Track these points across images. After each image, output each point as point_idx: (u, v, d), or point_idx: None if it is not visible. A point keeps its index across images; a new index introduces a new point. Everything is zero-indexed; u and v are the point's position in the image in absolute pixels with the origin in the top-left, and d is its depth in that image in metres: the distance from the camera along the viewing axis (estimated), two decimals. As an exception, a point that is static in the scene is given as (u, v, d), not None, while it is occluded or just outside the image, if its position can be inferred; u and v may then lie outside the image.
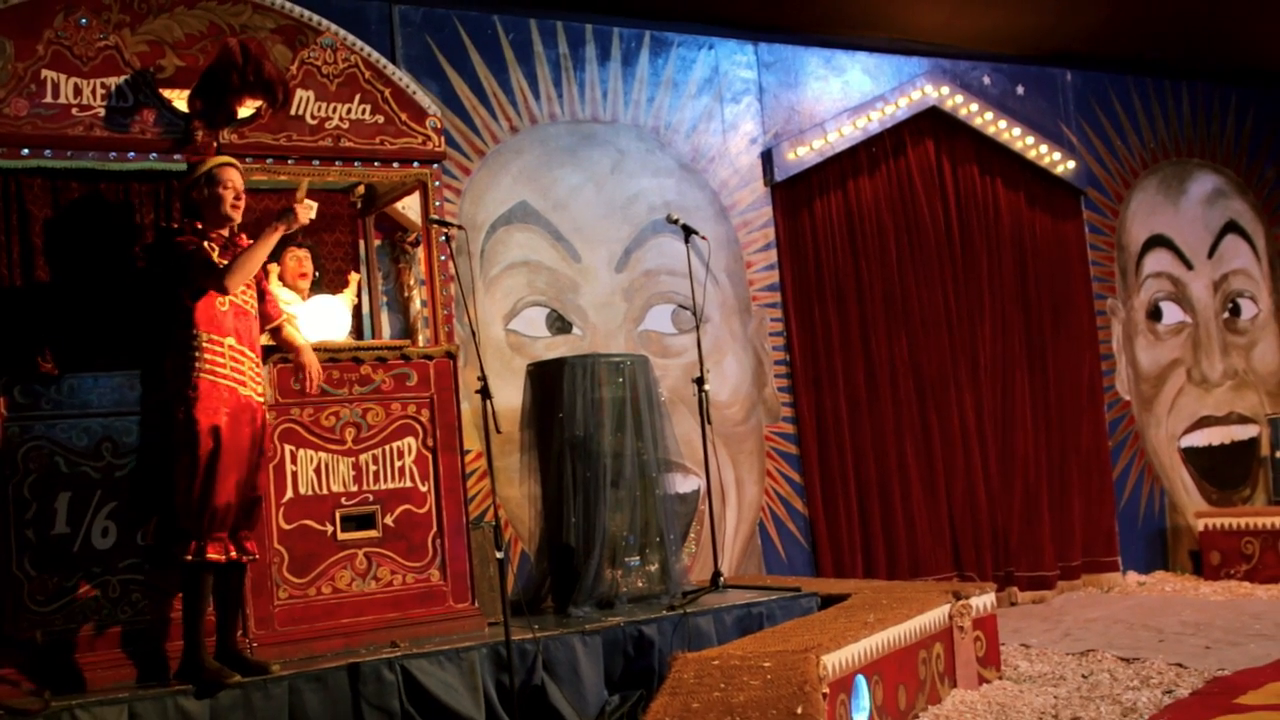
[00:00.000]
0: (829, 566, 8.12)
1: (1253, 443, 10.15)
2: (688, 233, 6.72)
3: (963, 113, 9.09)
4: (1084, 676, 6.05)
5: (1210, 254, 10.28)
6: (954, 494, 8.70)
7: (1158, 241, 10.04)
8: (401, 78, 5.81)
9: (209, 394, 4.73)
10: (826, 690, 4.45)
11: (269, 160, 5.35)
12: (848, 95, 8.79)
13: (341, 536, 5.35)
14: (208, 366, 4.76)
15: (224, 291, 4.82)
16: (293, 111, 5.46)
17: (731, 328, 8.16)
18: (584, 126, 7.82)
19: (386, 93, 5.71)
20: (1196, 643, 6.75)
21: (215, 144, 5.19)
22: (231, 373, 4.82)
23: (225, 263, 4.81)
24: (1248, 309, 10.39)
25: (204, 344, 4.77)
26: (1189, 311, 10.12)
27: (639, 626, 5.54)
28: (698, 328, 6.76)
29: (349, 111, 5.61)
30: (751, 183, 8.38)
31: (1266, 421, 9.95)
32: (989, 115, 9.20)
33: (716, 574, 6.44)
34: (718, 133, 8.30)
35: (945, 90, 9.02)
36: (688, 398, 7.21)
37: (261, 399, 4.98)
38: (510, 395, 6.58)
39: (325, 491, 5.35)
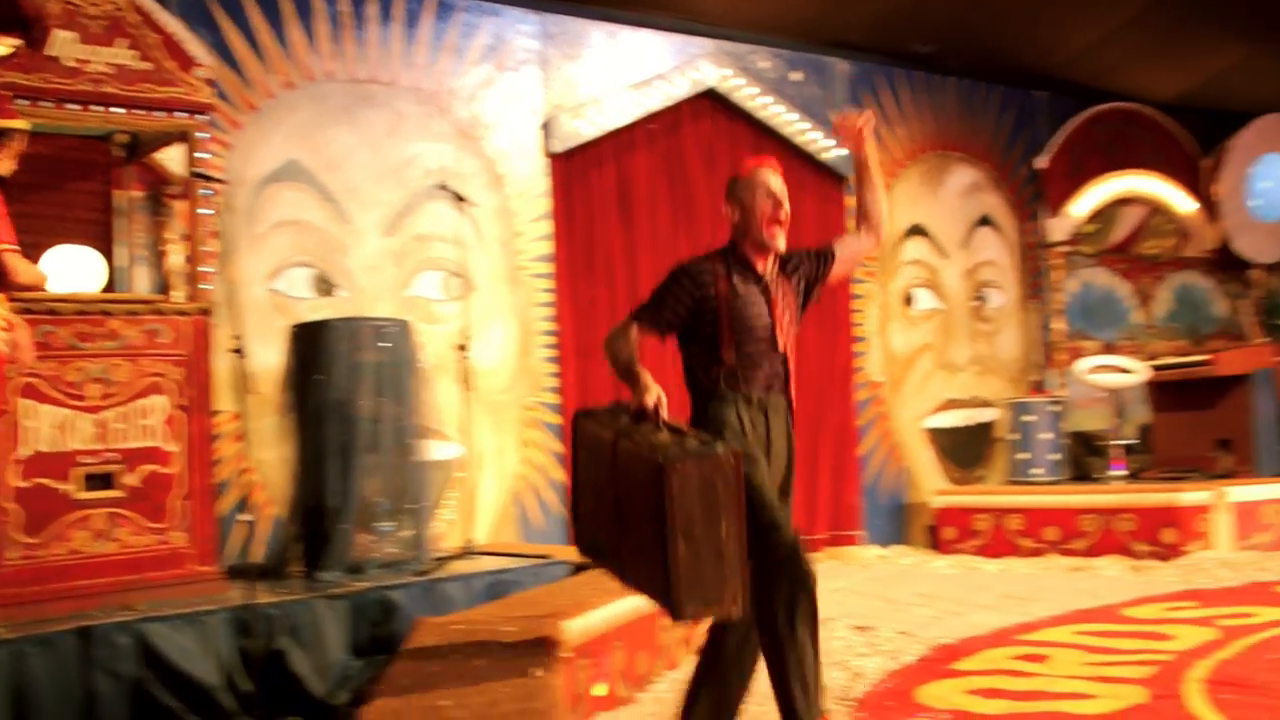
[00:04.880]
0: (585, 534, 8.26)
1: (992, 425, 10.75)
2: (459, 199, 6.73)
3: (738, 94, 9.32)
4: (818, 645, 6.33)
5: (964, 244, 10.80)
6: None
7: (916, 231, 10.49)
8: (171, 25, 5.65)
9: None
10: (569, 655, 4.58)
11: (23, 102, 5.13)
12: (629, 71, 8.90)
13: (81, 496, 5.22)
14: None
15: None
16: (50, 52, 5.25)
17: (500, 297, 8.20)
18: (362, 87, 7.73)
19: (155, 39, 5.54)
20: (925, 613, 7.15)
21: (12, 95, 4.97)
22: None
23: None
24: (995, 298, 10.95)
25: None
26: (941, 298, 10.62)
27: (386, 591, 5.53)
28: (465, 295, 6.78)
29: (114, 56, 5.44)
30: (529, 153, 8.42)
31: (1006, 405, 10.53)
32: (765, 99, 9.46)
33: (468, 541, 6.50)
34: (498, 101, 8.30)
35: (725, 72, 9.24)
36: (452, 365, 7.22)
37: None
38: (272, 356, 6.49)
39: (66, 449, 5.20)
